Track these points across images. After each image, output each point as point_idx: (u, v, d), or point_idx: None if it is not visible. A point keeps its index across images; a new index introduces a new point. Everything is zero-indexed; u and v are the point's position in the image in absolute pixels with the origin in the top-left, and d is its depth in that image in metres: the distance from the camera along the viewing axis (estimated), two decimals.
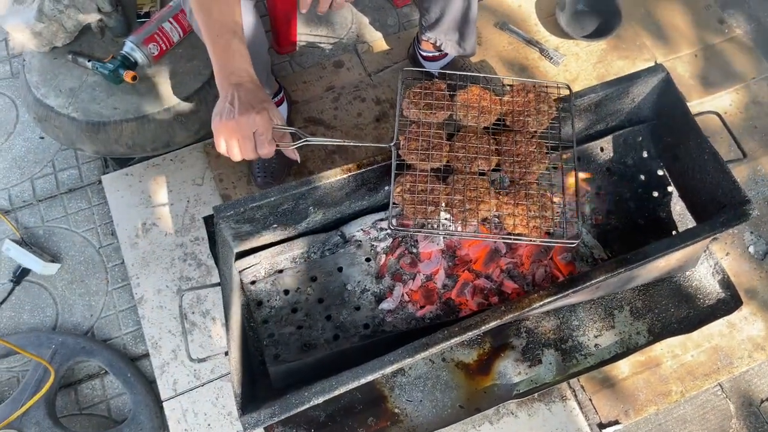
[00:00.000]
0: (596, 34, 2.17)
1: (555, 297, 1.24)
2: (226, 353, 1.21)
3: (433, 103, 1.38)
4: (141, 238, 1.82)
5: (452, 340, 1.18)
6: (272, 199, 1.29)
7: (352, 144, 1.24)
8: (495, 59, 2.13)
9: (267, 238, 1.47)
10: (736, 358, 1.69)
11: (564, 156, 1.42)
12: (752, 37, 2.24)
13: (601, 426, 1.61)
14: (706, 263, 1.67)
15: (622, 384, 1.65)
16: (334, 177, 1.33)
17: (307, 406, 1.14)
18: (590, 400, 1.63)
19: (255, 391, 1.28)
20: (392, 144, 1.33)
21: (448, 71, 1.48)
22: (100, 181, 1.94)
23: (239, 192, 1.89)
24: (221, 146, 1.13)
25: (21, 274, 1.80)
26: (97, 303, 1.80)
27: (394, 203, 1.31)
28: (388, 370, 1.16)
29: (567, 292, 1.24)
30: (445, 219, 1.44)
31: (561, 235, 1.28)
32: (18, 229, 1.87)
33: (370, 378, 1.15)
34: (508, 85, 1.46)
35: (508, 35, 2.18)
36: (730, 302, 1.64)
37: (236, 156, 1.13)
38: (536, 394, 1.62)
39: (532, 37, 2.16)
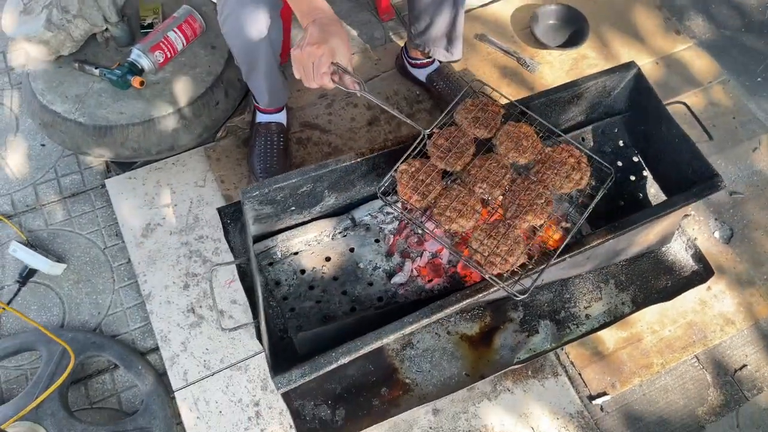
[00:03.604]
0: (567, 44, 2.36)
1: (551, 263, 1.36)
2: (254, 322, 1.29)
3: (481, 117, 1.42)
4: (146, 238, 1.88)
5: (465, 302, 1.29)
6: (294, 180, 1.40)
7: (395, 113, 1.36)
8: (476, 67, 2.29)
9: (283, 222, 1.56)
10: (709, 332, 1.83)
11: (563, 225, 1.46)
12: (707, 45, 2.45)
13: (591, 397, 1.73)
14: (680, 239, 1.83)
15: (608, 359, 1.77)
16: (348, 161, 1.44)
17: (335, 365, 1.22)
18: (579, 374, 1.75)
19: (277, 361, 1.36)
20: (427, 131, 1.41)
21: (527, 111, 1.49)
22: (102, 185, 2.00)
23: None
24: (296, 72, 1.32)
25: (27, 275, 1.83)
26: (104, 301, 1.84)
27: (392, 174, 1.38)
28: (408, 330, 1.26)
29: (564, 258, 1.36)
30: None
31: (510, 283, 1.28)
32: (23, 233, 1.90)
33: (392, 338, 1.24)
34: (557, 136, 1.45)
35: (487, 46, 2.34)
36: (702, 273, 1.80)
37: (305, 81, 1.31)
38: (529, 371, 1.73)
39: (510, 47, 2.34)
